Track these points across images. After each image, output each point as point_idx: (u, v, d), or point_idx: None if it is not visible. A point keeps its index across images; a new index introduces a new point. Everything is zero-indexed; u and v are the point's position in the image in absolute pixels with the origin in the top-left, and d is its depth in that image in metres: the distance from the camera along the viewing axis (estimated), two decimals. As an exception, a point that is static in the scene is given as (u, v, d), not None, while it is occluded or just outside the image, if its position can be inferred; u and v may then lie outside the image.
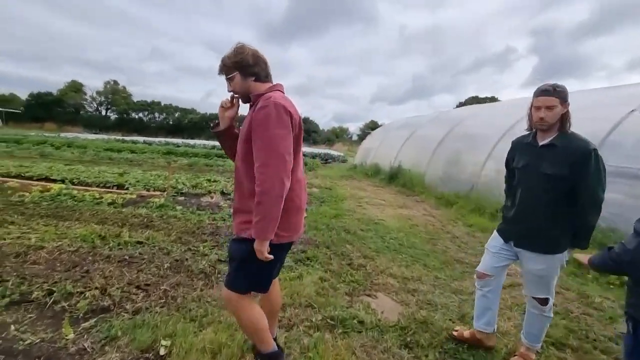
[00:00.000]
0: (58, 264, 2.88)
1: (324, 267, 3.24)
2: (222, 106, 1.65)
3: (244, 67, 1.48)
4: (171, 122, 54.86)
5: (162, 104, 55.85)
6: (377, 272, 3.27)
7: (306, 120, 53.31)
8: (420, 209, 6.66)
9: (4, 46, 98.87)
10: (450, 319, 2.49)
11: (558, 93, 1.73)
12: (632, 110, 5.04)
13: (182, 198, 5.94)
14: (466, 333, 2.20)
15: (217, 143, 21.37)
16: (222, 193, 6.69)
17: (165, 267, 2.98)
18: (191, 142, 26.15)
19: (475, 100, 57.23)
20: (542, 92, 1.76)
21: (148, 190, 6.42)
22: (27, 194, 5.29)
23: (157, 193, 6.18)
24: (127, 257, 3.11)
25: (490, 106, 10.28)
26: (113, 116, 55.02)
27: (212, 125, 1.71)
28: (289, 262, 3.29)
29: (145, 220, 4.37)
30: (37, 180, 6.70)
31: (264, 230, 1.34)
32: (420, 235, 4.73)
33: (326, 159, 19.83)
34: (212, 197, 6.24)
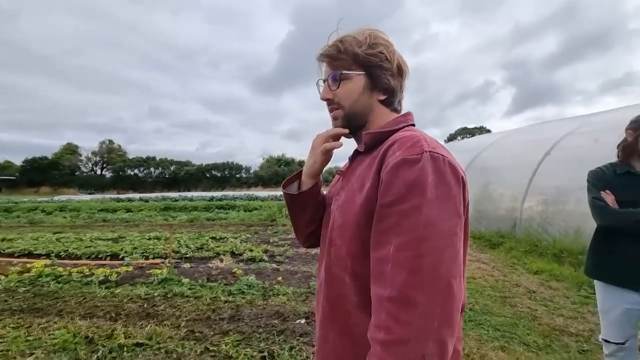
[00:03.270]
0: (19, 404, 1.95)
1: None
2: (324, 142, 0.86)
3: (380, 69, 0.77)
4: (167, 176, 54.55)
5: (158, 159, 55.97)
6: (472, 364, 2.36)
7: (302, 163, 52.87)
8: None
9: (5, 117, 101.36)
10: None
11: None
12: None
13: (188, 265, 5.03)
14: None
15: (217, 193, 20.81)
16: (233, 254, 5.79)
17: (178, 391, 2.05)
18: (189, 194, 25.43)
19: (465, 131, 58.39)
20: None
21: (147, 258, 5.52)
22: (2, 277, 4.38)
23: (158, 261, 5.28)
24: (122, 378, 2.18)
25: (501, 135, 9.85)
26: (108, 174, 54.72)
27: (290, 180, 0.94)
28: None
29: (146, 305, 3.44)
30: (19, 257, 5.79)
31: None
32: (487, 292, 3.83)
33: (331, 202, 19.07)
34: (221, 261, 5.33)
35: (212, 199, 19.81)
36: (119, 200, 20.58)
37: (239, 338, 2.72)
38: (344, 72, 0.77)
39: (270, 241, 7.03)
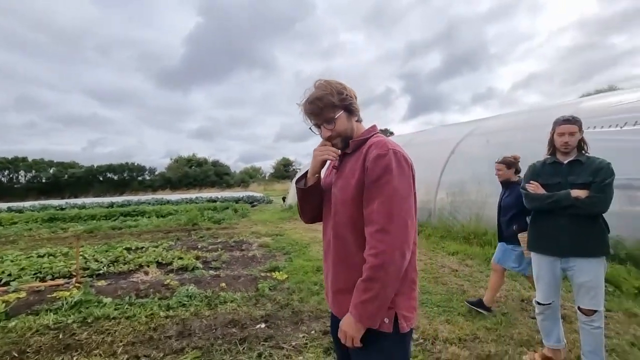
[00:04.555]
0: None
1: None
2: (324, 153, 1.22)
3: (350, 104, 1.21)
4: (44, 180, 45.04)
5: (30, 160, 45.79)
6: (429, 339, 2.60)
7: (216, 163, 50.48)
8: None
9: None
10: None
11: (577, 122, 2.08)
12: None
13: (104, 283, 4.27)
14: (537, 355, 2.28)
15: (117, 198, 18.33)
16: (160, 265, 5.15)
17: None
18: (78, 201, 21.48)
19: (373, 133, 64.01)
20: (564, 121, 2.09)
21: (43, 280, 4.49)
22: None
23: (61, 282, 4.35)
24: None
25: (411, 137, 11.11)
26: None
27: (299, 179, 1.34)
28: (318, 355, 2.38)
29: (61, 335, 2.81)
30: None
31: (372, 315, 1.05)
32: (421, 275, 4.26)
33: (252, 202, 18.54)
34: (147, 274, 4.69)
35: (112, 205, 17.18)
36: (-25, 212, 16.11)
37: (197, 354, 2.44)
38: (333, 116, 1.18)
39: (199, 247, 6.48)
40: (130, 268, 4.93)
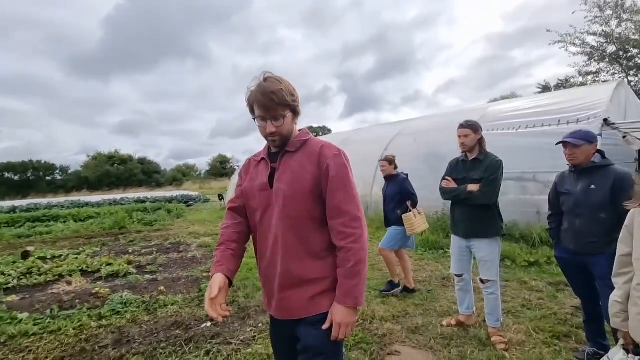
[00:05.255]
0: None
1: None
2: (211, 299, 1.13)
3: (298, 107, 1.24)
4: None
5: None
6: (368, 319, 2.89)
7: (143, 161, 46.20)
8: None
9: None
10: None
11: (470, 126, 2.46)
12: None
13: (15, 297, 3.77)
14: (453, 320, 2.71)
15: (20, 202, 15.86)
16: (85, 273, 4.68)
17: None
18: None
19: (312, 130, 64.62)
20: (459, 127, 2.50)
21: None
22: None
23: (-44, 302, 3.70)
24: None
25: (349, 134, 11.67)
26: None
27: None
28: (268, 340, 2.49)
29: (-33, 360, 2.45)
30: None
31: (362, 294, 1.14)
32: (377, 267, 4.60)
33: (187, 202, 17.53)
34: (69, 283, 4.24)
35: (14, 210, 14.76)
36: None
37: (140, 359, 2.36)
38: (283, 115, 1.18)
39: (130, 251, 6.01)
40: (48, 279, 4.40)
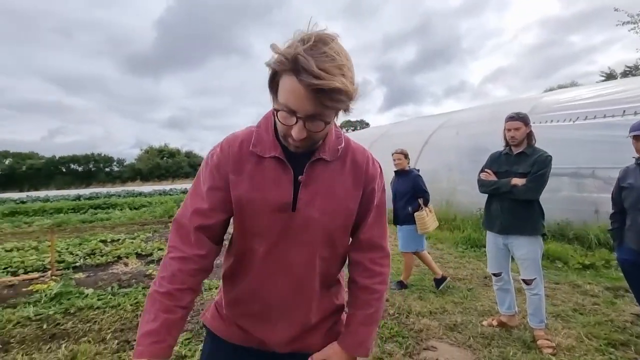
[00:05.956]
0: None
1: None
2: None
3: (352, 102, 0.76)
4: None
5: (-18, 150, 42.31)
6: (404, 313, 2.86)
7: (189, 154, 49.03)
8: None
9: None
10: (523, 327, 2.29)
11: (521, 118, 2.32)
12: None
13: (82, 275, 4.23)
14: (494, 320, 2.61)
15: (84, 191, 17.53)
16: (139, 256, 5.12)
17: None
18: (40, 194, 20.33)
19: (349, 124, 64.15)
20: (509, 119, 2.36)
21: (15, 274, 4.36)
22: None
23: (35, 275, 4.25)
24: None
25: (388, 128, 11.43)
26: None
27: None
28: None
29: (45, 326, 2.81)
30: None
31: (373, 343, 1.07)
32: (397, 258, 4.55)
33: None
34: (126, 265, 4.67)
35: (78, 197, 16.43)
36: None
37: (188, 336, 2.55)
38: (330, 121, 0.75)
39: (178, 238, 6.46)
40: (109, 260, 4.88)
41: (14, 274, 4.37)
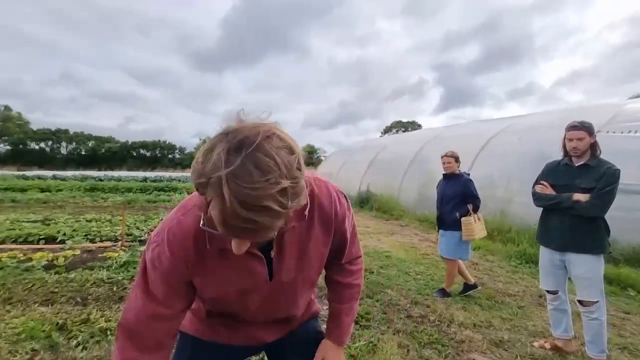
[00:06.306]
0: (5, 395, 1.75)
1: (389, 327, 2.62)
2: None
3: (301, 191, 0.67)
4: (83, 153, 47.94)
5: (71, 132, 48.71)
6: (445, 322, 2.77)
7: (242, 146, 51.71)
8: (412, 235, 6.44)
9: None
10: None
11: (586, 128, 2.13)
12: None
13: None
14: (547, 343, 2.38)
15: (150, 174, 19.40)
16: (194, 236, 5.56)
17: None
18: (115, 174, 22.90)
19: (399, 125, 62.36)
20: (572, 127, 2.17)
21: (92, 241, 5.00)
22: None
23: (108, 244, 4.84)
24: None
25: (441, 130, 10.93)
26: (4, 147, 45.94)
27: None
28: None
29: (115, 288, 3.21)
30: None
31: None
32: (441, 265, 4.39)
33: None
34: (183, 243, 5.10)
35: (145, 179, 18.21)
36: (25, 177, 17.63)
37: None
38: (274, 233, 0.63)
39: (228, 223, 6.88)
40: (168, 237, 5.36)
41: (92, 241, 5.02)
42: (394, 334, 2.53)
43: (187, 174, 27.00)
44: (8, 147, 45.24)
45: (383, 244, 5.62)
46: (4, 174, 19.81)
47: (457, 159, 3.43)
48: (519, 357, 2.28)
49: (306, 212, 0.76)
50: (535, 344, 2.44)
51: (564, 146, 2.25)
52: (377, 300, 3.13)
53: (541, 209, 2.39)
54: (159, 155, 49.97)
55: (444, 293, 3.38)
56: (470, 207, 3.23)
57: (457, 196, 3.31)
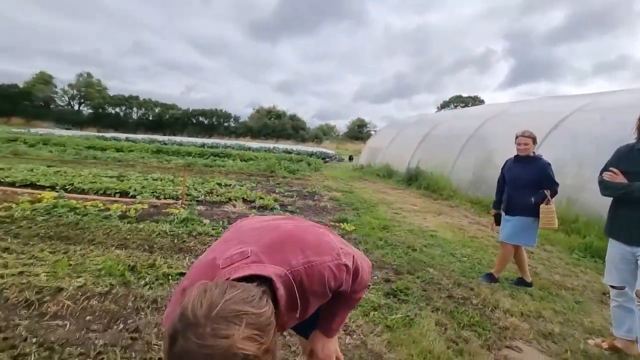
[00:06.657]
0: (90, 317, 2.10)
1: (428, 304, 2.61)
2: None
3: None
4: (151, 118, 52.46)
5: (141, 99, 53.25)
6: (489, 307, 2.67)
7: (293, 117, 52.27)
8: (461, 217, 6.15)
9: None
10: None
11: None
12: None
13: (202, 208, 5.13)
14: (605, 343, 2.21)
15: (207, 140, 20.58)
16: (244, 201, 5.91)
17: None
18: (177, 139, 24.79)
19: (459, 100, 57.72)
20: None
21: (158, 198, 5.56)
22: (13, 205, 4.35)
23: (171, 201, 5.34)
24: (179, 301, 2.35)
25: (507, 106, 9.94)
26: (87, 111, 51.91)
27: None
28: (379, 296, 2.64)
29: (175, 240, 3.57)
30: (21, 187, 5.68)
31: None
32: (490, 250, 4.18)
33: (324, 158, 19.15)
34: (234, 206, 5.46)
35: (203, 145, 19.45)
36: (104, 138, 19.87)
37: None
38: None
39: (276, 191, 7.17)
40: (222, 200, 5.77)
41: (157, 197, 5.58)
42: (432, 311, 2.51)
43: (240, 142, 28.29)
44: (90, 111, 51.10)
45: (429, 222, 5.46)
46: (87, 135, 22.53)
47: (534, 140, 3.10)
48: (569, 352, 2.14)
49: (298, 304, 0.87)
50: (591, 341, 2.26)
51: (638, 127, 1.99)
52: (418, 277, 3.10)
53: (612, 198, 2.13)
54: (215, 123, 52.74)
55: (491, 278, 3.23)
56: (548, 193, 2.94)
57: (532, 180, 3.04)
